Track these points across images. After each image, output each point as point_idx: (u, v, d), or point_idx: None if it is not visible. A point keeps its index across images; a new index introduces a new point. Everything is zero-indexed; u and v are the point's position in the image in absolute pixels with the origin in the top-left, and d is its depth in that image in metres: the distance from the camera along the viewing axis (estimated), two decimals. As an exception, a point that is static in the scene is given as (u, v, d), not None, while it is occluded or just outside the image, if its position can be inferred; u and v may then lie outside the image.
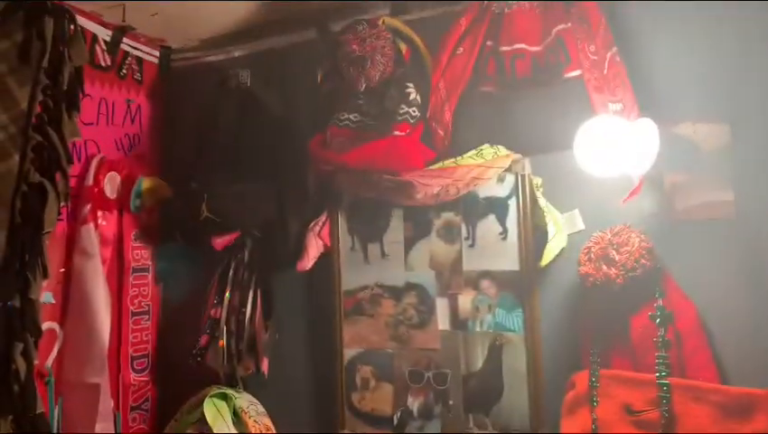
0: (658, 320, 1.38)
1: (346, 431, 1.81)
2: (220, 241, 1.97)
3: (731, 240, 1.39)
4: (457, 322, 1.70)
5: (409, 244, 1.78)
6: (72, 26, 1.77)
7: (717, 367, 1.36)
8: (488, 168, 1.61)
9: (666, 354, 1.36)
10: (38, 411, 1.67)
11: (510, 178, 1.64)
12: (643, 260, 1.38)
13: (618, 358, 1.44)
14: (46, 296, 1.82)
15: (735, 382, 1.33)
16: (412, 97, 1.69)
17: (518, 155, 1.62)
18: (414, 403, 1.73)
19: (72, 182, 1.88)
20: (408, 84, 1.71)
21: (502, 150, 1.62)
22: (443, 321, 1.72)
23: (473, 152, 1.63)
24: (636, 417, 1.36)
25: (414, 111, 1.69)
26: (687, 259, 1.42)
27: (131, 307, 2.05)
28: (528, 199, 1.61)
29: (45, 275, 1.73)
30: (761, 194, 1.38)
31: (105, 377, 1.86)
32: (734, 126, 1.40)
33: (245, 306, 1.95)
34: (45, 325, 1.77)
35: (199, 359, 2.01)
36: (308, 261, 1.86)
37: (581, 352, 1.49)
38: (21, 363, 1.63)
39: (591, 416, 1.41)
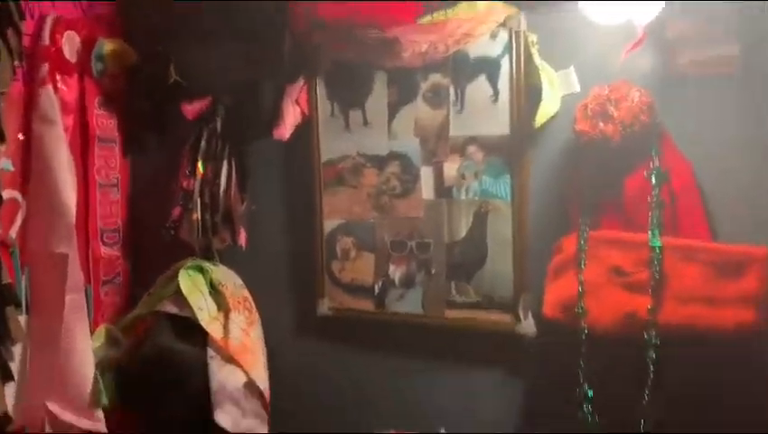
0: (653, 179, 1.33)
1: (326, 301, 1.78)
2: (190, 109, 1.86)
3: (733, 97, 1.32)
4: (442, 190, 1.64)
5: (393, 110, 1.68)
6: None
7: (710, 227, 1.32)
8: (480, 23, 1.50)
9: (659, 214, 1.32)
10: (4, 282, 1.61)
11: (503, 35, 1.53)
12: (642, 116, 1.31)
13: (608, 220, 1.40)
14: (5, 163, 1.70)
15: (728, 242, 1.30)
16: (399, -58, 1.55)
17: (513, 9, 1.50)
18: (395, 272, 1.70)
19: (26, 40, 1.72)
20: (395, -72, 1.55)
21: (497, 3, 1.50)
22: (427, 190, 1.66)
23: (465, 4, 1.51)
24: (625, 279, 1.34)
25: (401, -41, 1.54)
26: (686, 116, 1.35)
27: (98, 179, 1.95)
28: (522, 57, 1.51)
29: (2, 139, 1.61)
30: (765, 51, 1.30)
31: (72, 247, 1.77)
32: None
33: (219, 178, 1.86)
34: (6, 194, 1.67)
35: (172, 232, 1.94)
36: (285, 130, 1.76)
37: (570, 215, 1.44)
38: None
39: (578, 279, 1.39)
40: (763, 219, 1.30)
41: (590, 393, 1.39)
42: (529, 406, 1.55)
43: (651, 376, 1.31)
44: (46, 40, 1.80)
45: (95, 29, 1.91)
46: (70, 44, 1.85)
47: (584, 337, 1.38)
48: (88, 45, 1.88)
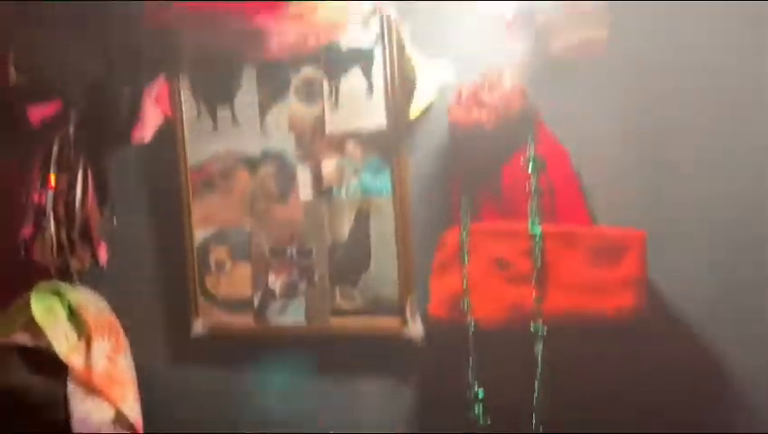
0: (530, 167, 1.29)
1: (201, 320, 1.63)
2: (36, 112, 1.67)
3: (604, 81, 1.31)
4: (321, 190, 1.54)
5: (265, 107, 1.57)
6: None
7: (589, 213, 1.30)
8: (350, 12, 1.42)
9: (538, 202, 1.28)
10: None
11: (375, 26, 1.45)
12: (516, 103, 1.27)
13: (488, 211, 1.35)
14: None
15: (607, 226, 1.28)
16: (259, -74, 1.45)
17: (382, -3, 1.44)
18: (276, 282, 1.58)
19: None
20: None
21: (366, -11, 1.43)
22: (305, 191, 1.55)
23: (333, -8, 1.43)
24: (508, 270, 1.29)
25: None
26: (560, 102, 1.32)
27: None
28: (395, 47, 1.44)
29: None
30: (634, 33, 1.30)
31: None
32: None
33: (74, 189, 1.69)
34: None
35: (24, 253, 1.73)
36: (146, 132, 1.62)
37: (452, 209, 1.39)
38: None
39: (462, 274, 1.33)
40: (639, 203, 1.29)
41: (480, 393, 1.33)
42: (420, 411, 1.48)
43: (540, 369, 1.27)
44: None
45: None
46: None
47: (471, 334, 1.32)
48: None
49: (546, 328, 1.25)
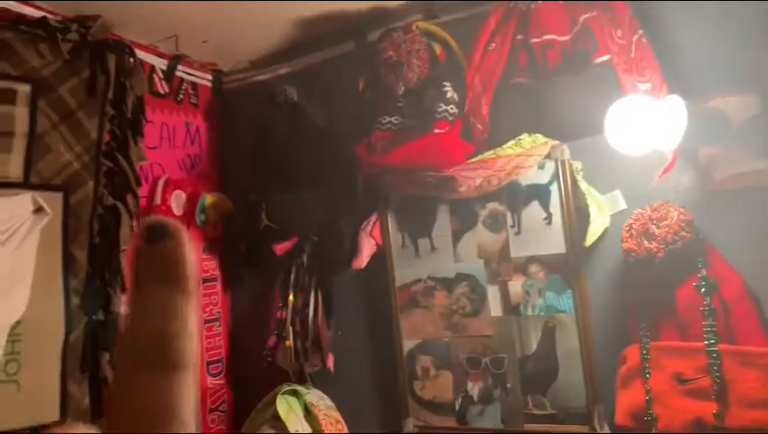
0: (703, 289, 1.41)
1: (411, 420, 1.89)
2: (280, 247, 2.10)
3: (767, 207, 1.41)
4: (509, 307, 1.76)
5: (457, 236, 1.86)
6: (132, 59, 1.95)
7: (766, 332, 1.38)
8: (527, 156, 1.67)
9: (713, 322, 1.39)
10: (127, 415, 1.83)
11: (550, 164, 1.70)
12: (684, 233, 1.42)
13: (666, 330, 1.47)
14: (126, 310, 1.98)
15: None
16: (449, 95, 1.78)
17: (556, 142, 1.67)
18: (473, 388, 1.80)
19: (142, 202, 2.04)
20: (445, 83, 1.79)
21: (540, 138, 1.68)
22: (495, 308, 1.79)
23: (512, 142, 1.70)
24: (688, 385, 1.39)
25: (452, 108, 1.77)
26: (727, 229, 1.44)
27: (204, 316, 2.20)
28: (569, 183, 1.66)
29: (124, 289, 1.89)
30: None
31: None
32: (761, 96, 1.42)
33: (307, 307, 2.07)
34: (127, 336, 1.93)
35: (269, 359, 2.14)
36: (362, 260, 1.96)
37: (630, 326, 1.53)
38: (109, 372, 1.79)
39: (644, 388, 1.45)
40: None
41: (670, 502, 1.42)
42: None
43: (727, 483, 1.34)
44: (158, 199, 2.13)
45: (198, 185, 2.24)
46: (177, 201, 2.17)
47: (657, 445, 1.43)
48: (192, 200, 2.20)
49: (730, 442, 1.33)
